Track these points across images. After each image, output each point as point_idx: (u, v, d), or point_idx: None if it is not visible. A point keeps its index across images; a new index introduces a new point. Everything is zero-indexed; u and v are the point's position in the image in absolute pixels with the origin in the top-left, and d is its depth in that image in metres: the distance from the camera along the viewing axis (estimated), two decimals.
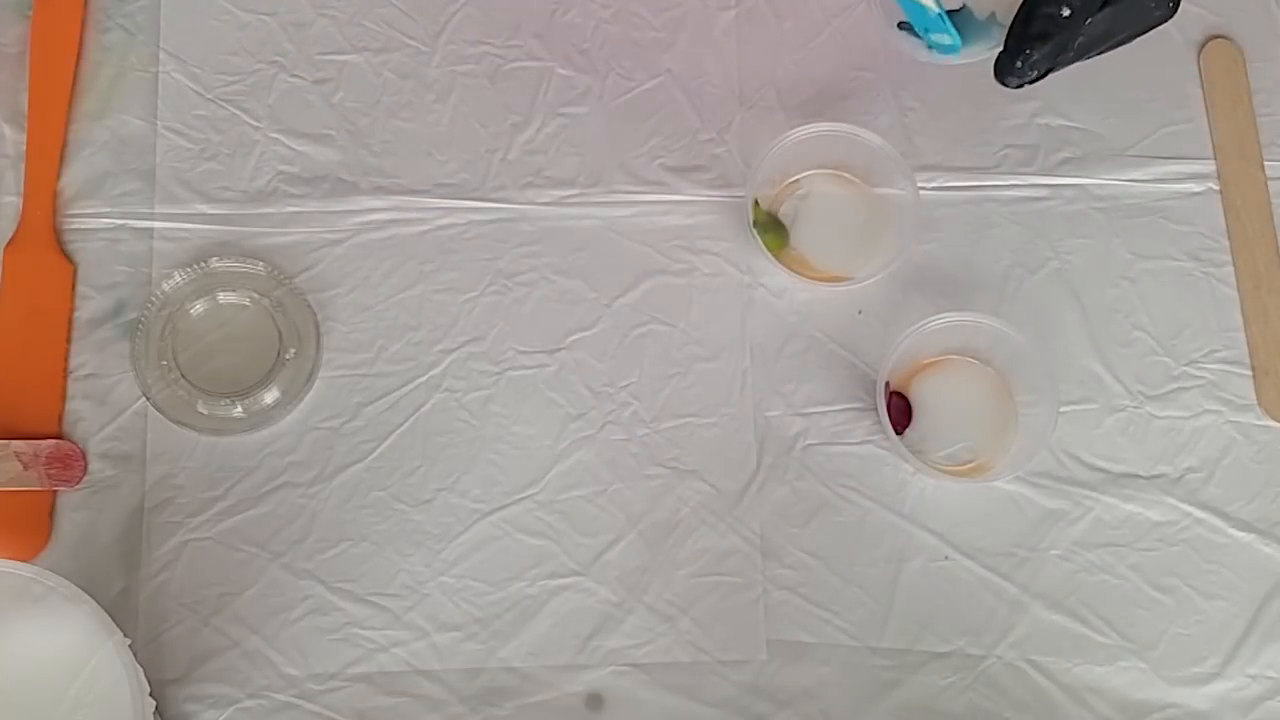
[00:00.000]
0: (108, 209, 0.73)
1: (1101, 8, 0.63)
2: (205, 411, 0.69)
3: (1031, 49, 0.63)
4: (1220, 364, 0.73)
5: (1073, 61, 0.66)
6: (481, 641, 0.68)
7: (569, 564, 0.69)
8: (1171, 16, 0.65)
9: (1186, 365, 0.73)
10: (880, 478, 0.71)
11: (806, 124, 0.72)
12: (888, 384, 0.69)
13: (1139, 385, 0.73)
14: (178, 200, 0.73)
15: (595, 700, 0.68)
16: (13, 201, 0.73)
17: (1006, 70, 0.65)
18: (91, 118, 0.74)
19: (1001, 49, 0.65)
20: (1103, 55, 0.66)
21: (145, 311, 0.70)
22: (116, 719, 0.56)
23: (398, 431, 0.71)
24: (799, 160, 0.74)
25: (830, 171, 0.75)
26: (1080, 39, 0.64)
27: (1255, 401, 0.73)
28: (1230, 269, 0.75)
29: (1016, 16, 0.63)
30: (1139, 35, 0.66)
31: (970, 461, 0.71)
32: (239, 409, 0.69)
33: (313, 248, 0.73)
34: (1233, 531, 0.71)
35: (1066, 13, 0.62)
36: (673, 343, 0.73)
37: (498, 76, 0.76)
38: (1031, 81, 0.66)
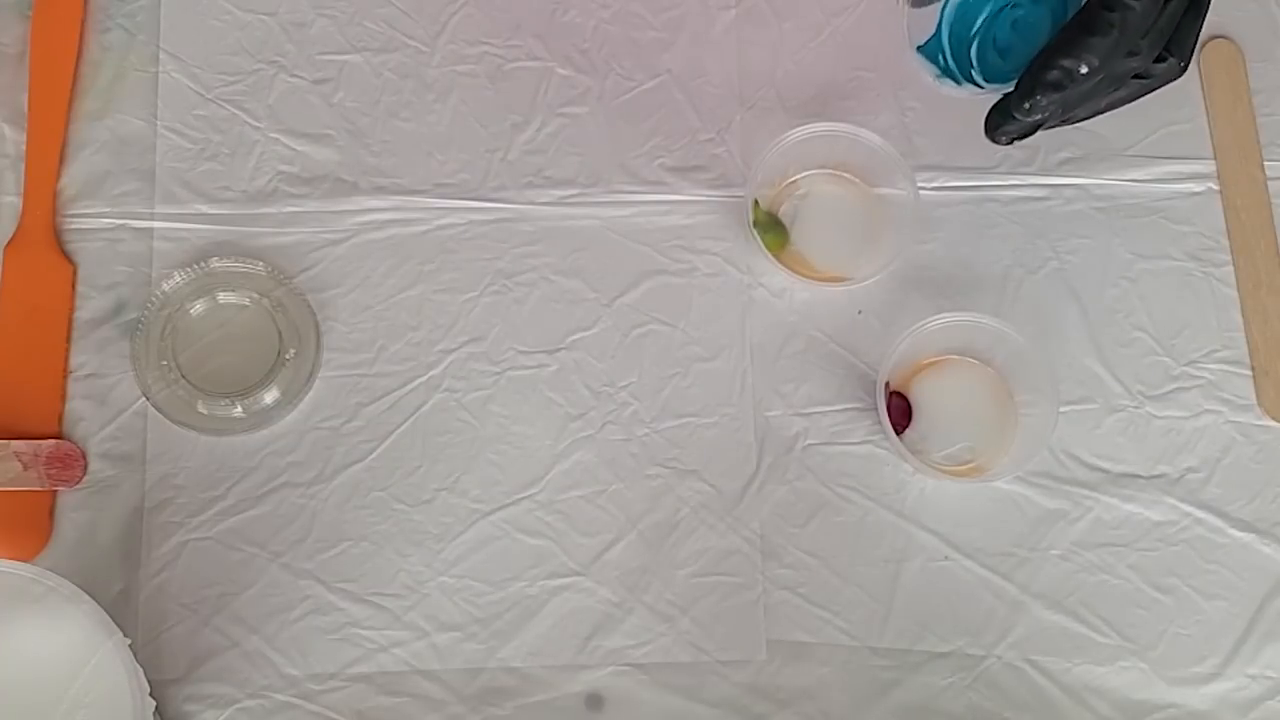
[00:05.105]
0: (108, 209, 0.73)
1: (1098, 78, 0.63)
2: (205, 411, 0.69)
3: (1042, 94, 0.63)
4: (1220, 364, 0.73)
5: (1056, 121, 0.66)
6: (481, 641, 0.68)
7: (569, 564, 0.69)
8: (1179, 75, 0.66)
9: (1186, 365, 0.73)
10: (880, 478, 0.71)
11: (806, 124, 0.72)
12: (888, 384, 0.69)
13: (1139, 385, 0.73)
14: (178, 200, 0.73)
15: (595, 700, 0.68)
16: (13, 201, 0.73)
17: (1004, 115, 0.65)
18: (91, 118, 0.74)
19: (1005, 96, 0.65)
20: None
21: (145, 311, 0.70)
22: (116, 719, 0.56)
23: (398, 431, 0.71)
24: (799, 160, 0.74)
25: (830, 171, 0.75)
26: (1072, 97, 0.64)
27: (1255, 401, 0.73)
28: (1230, 269, 0.75)
29: (1032, 63, 0.63)
30: (1144, 95, 0.67)
31: (970, 461, 0.71)
32: (239, 409, 0.69)
33: (313, 248, 0.73)
34: (1233, 531, 0.71)
35: (1084, 70, 0.62)
36: (673, 343, 0.73)
37: (498, 76, 0.76)
38: (1020, 137, 0.66)
